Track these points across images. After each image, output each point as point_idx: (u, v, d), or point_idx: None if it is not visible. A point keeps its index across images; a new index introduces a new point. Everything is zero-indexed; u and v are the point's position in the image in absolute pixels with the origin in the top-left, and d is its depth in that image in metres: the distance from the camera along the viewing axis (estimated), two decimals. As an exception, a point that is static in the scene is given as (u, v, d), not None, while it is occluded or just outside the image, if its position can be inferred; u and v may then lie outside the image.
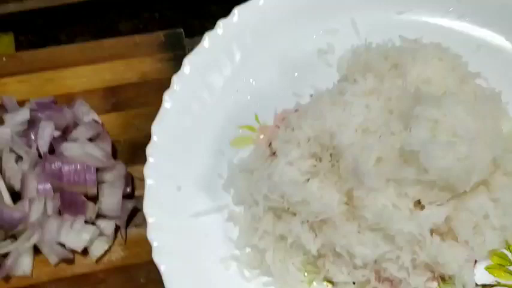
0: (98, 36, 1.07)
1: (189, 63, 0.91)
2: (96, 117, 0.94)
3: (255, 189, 0.78)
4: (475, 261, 0.76)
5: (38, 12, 1.09)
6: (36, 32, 1.11)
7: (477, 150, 0.71)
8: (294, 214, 0.77)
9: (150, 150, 0.84)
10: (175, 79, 0.89)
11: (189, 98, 0.90)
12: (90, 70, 1.00)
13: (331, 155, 0.78)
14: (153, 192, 0.81)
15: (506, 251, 0.77)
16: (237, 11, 0.95)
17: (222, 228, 0.83)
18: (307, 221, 0.75)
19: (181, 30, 1.03)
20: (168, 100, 0.88)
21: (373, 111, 0.78)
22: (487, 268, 0.76)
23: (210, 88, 0.92)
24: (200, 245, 0.81)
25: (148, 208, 0.80)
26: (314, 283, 0.78)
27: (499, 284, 0.75)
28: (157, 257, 0.77)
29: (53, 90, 0.98)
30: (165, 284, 0.75)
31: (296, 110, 0.86)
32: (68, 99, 0.96)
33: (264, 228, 0.78)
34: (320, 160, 0.79)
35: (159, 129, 0.86)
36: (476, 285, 0.75)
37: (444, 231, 0.74)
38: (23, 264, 0.83)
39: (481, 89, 0.83)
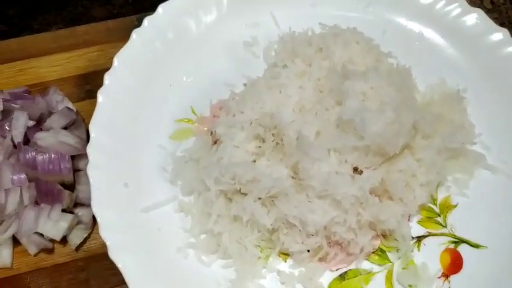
0: (71, 23, 1.06)
1: (117, 59, 0.91)
2: (70, 105, 0.93)
3: (206, 175, 0.80)
4: (409, 217, 0.84)
5: (9, 2, 1.06)
6: (8, 22, 1.08)
7: (401, 116, 0.80)
8: (244, 195, 0.80)
9: (90, 149, 0.82)
10: (107, 76, 0.89)
11: (121, 93, 0.89)
12: (63, 58, 1.00)
13: (273, 134, 0.83)
14: (99, 192, 0.80)
15: (432, 205, 0.86)
16: (161, 8, 0.97)
17: (173, 219, 0.83)
18: (259, 199, 0.79)
19: None
20: (101, 96, 0.87)
21: (306, 91, 0.85)
22: (419, 222, 0.85)
23: (142, 83, 0.92)
24: (154, 238, 0.81)
25: (97, 208, 0.78)
26: (270, 258, 0.81)
27: (430, 234, 0.84)
28: (113, 255, 0.75)
29: (26, 80, 0.98)
30: (125, 279, 0.74)
31: (233, 98, 0.90)
32: (42, 89, 0.96)
33: (217, 212, 0.80)
34: (263, 141, 0.83)
35: (96, 127, 0.84)
36: (412, 237, 0.83)
37: (380, 193, 0.82)
38: (3, 256, 0.81)
39: (393, 66, 0.93)
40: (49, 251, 0.84)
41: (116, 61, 0.91)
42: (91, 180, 0.80)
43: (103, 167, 0.82)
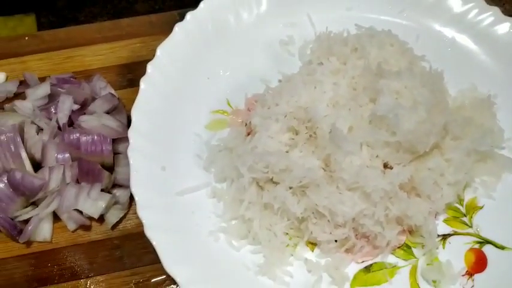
0: (115, 16, 1.13)
1: (160, 50, 0.95)
2: (112, 91, 0.98)
3: (240, 162, 0.83)
4: (435, 215, 0.86)
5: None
6: (56, 14, 1.16)
7: (433, 116, 0.82)
8: (276, 184, 0.83)
9: (131, 132, 0.86)
10: (149, 65, 0.93)
11: (162, 82, 0.94)
12: (107, 48, 1.06)
13: (306, 127, 0.85)
14: (138, 172, 0.83)
15: (458, 205, 0.88)
16: (203, 4, 1.01)
17: (206, 204, 0.86)
18: (290, 188, 0.82)
19: None
20: (143, 84, 0.91)
21: (341, 88, 0.88)
22: (445, 220, 0.87)
23: (182, 74, 0.97)
24: (188, 220, 0.84)
25: (136, 187, 0.82)
26: (298, 247, 0.84)
27: (455, 232, 0.86)
28: (149, 233, 0.79)
29: (72, 67, 1.03)
30: (159, 256, 0.77)
31: (268, 92, 0.93)
32: (86, 76, 1.01)
33: (249, 199, 0.83)
34: (297, 133, 0.86)
35: (138, 112, 0.89)
36: (437, 235, 0.85)
37: (408, 189, 0.84)
38: (44, 230, 0.85)
39: (426, 69, 0.96)
40: (86, 228, 0.88)
41: (158, 52, 0.95)
42: (131, 162, 0.84)
43: (142, 150, 0.86)
